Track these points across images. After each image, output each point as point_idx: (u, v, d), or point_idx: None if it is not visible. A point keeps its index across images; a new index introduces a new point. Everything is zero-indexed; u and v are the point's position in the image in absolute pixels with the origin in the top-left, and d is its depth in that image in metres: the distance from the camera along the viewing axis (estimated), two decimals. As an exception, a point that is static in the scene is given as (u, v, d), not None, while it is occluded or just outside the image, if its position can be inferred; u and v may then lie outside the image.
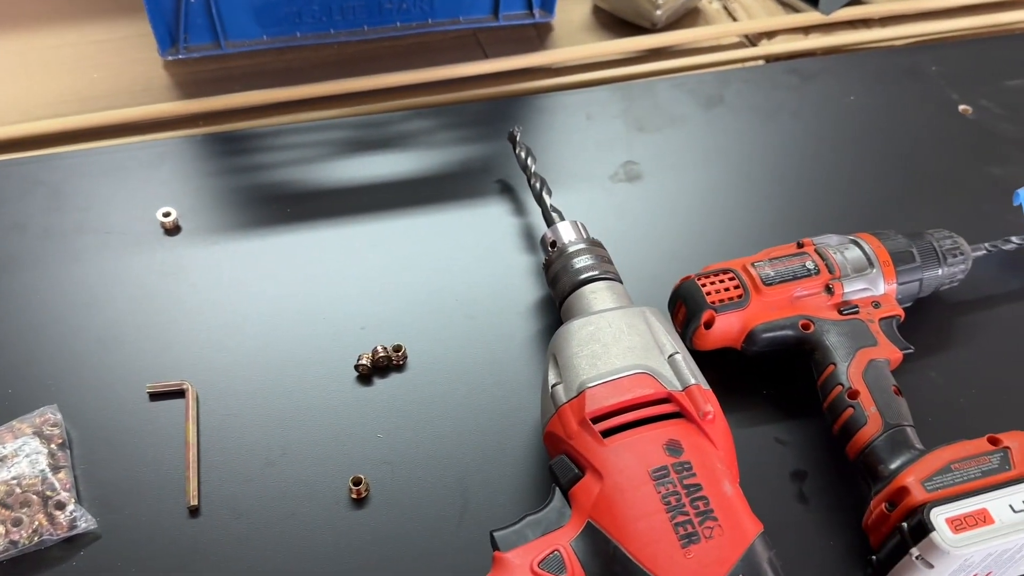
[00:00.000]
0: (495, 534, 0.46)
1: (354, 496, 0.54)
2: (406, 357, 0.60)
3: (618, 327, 0.52)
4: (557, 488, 0.49)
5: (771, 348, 0.57)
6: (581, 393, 0.49)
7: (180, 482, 0.54)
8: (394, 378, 0.60)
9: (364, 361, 0.59)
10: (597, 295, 0.56)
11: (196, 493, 0.53)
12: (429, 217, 0.69)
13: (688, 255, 0.67)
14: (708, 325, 0.57)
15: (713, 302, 0.57)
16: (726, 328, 0.57)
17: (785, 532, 0.49)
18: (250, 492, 0.54)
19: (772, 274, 0.58)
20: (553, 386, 0.51)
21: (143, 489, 0.53)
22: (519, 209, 0.70)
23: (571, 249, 0.59)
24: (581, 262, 0.58)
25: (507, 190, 0.71)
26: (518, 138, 0.69)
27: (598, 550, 0.45)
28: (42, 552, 0.51)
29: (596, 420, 0.48)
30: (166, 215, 0.65)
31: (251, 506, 0.53)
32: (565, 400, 0.50)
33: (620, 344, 0.51)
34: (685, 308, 0.58)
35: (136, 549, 0.51)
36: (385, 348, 0.60)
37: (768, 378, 0.60)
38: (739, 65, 0.86)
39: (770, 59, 0.88)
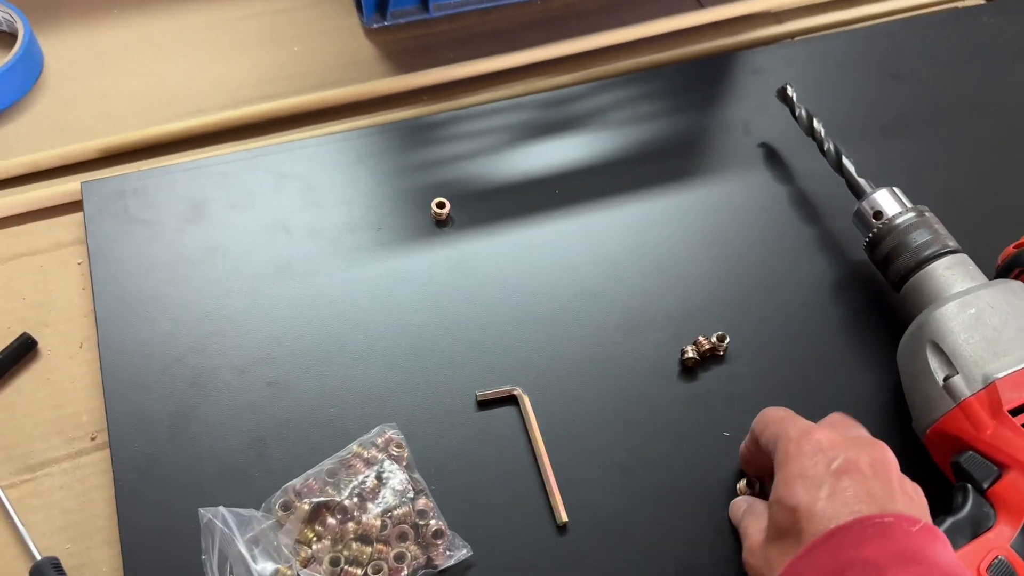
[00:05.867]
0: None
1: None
2: (727, 347, 0.57)
3: (1001, 308, 0.49)
4: (970, 487, 0.46)
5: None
6: (990, 384, 0.46)
7: (535, 494, 0.51)
8: (716, 369, 0.56)
9: (691, 353, 0.56)
10: (953, 272, 0.53)
11: (561, 507, 0.50)
12: (689, 193, 0.64)
13: (969, 219, 0.62)
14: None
15: (1069, 273, 0.53)
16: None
17: None
18: (611, 503, 0.51)
19: None
20: (946, 379, 0.48)
21: (501, 505, 0.50)
22: (786, 175, 0.65)
23: (906, 223, 0.55)
24: (921, 236, 0.54)
25: (772, 154, 0.66)
26: (795, 97, 0.64)
27: (1050, 552, 0.43)
28: (420, 586, 0.48)
29: (1014, 412, 0.46)
30: (440, 206, 0.60)
31: (612, 516, 0.50)
32: (969, 394, 0.47)
33: (1010, 326, 0.48)
34: (1030, 279, 0.54)
35: (510, 572, 0.49)
36: (708, 339, 0.56)
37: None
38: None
39: None
